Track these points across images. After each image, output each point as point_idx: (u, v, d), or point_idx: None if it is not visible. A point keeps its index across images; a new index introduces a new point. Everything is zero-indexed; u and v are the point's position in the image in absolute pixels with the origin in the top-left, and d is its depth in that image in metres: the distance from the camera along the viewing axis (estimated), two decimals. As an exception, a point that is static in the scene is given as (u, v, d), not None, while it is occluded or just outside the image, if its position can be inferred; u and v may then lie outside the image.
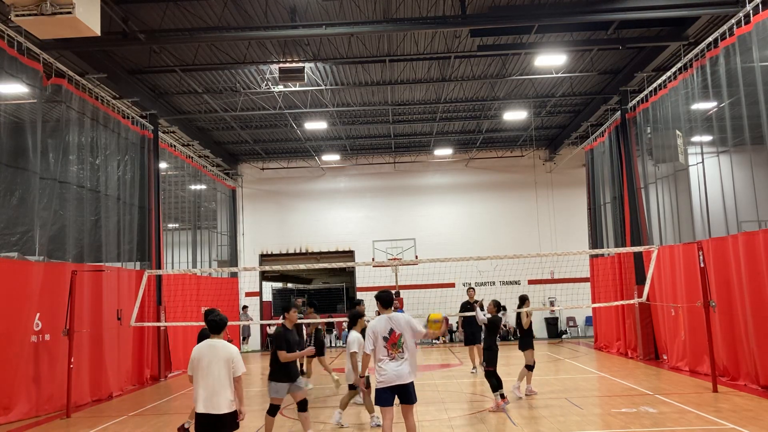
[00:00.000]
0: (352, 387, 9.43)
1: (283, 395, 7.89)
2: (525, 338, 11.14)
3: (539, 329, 23.65)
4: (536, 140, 23.64)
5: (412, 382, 6.64)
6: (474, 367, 14.86)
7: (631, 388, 11.51)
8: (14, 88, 11.33)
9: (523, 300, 11.40)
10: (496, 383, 9.78)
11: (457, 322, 23.29)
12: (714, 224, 12.36)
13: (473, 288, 16.24)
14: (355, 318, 9.50)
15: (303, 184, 25.24)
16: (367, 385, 8.92)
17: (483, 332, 10.74)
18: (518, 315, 11.40)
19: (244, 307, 23.07)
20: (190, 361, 5.95)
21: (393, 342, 6.58)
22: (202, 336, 7.54)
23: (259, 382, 14.49)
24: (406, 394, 6.60)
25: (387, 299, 6.89)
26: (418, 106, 19.75)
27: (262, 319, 23.87)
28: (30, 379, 10.67)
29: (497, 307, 10.32)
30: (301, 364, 15.77)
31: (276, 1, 12.76)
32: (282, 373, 7.86)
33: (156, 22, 13.04)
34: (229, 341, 6.26)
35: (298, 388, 7.97)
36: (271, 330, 23.60)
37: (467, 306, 15.34)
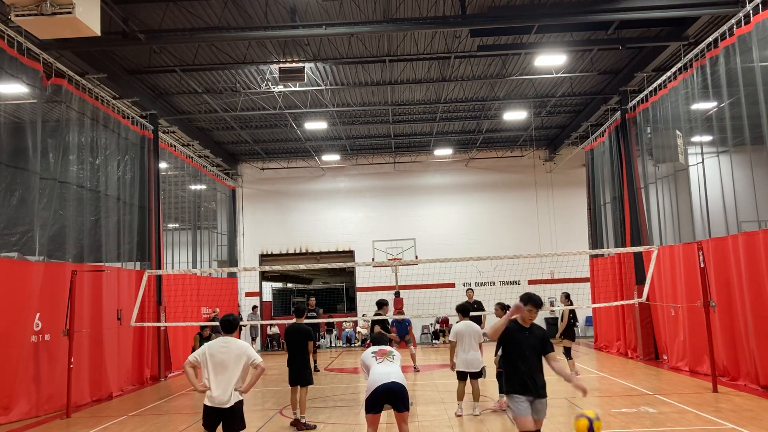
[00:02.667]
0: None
1: None
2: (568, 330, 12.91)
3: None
4: (536, 140, 23.63)
5: (404, 389, 6.50)
6: None
7: (631, 388, 11.51)
8: (14, 88, 11.33)
9: (568, 296, 13.29)
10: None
11: (457, 322, 23.27)
12: (714, 224, 12.35)
13: (472, 289, 16.35)
14: (467, 310, 10.18)
15: (303, 184, 25.23)
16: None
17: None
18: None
19: (254, 307, 23.14)
20: (201, 354, 6.23)
21: (383, 353, 6.93)
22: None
23: (260, 383, 14.46)
24: (397, 401, 6.43)
25: (380, 341, 7.39)
26: (418, 106, 19.75)
27: (261, 319, 23.87)
28: (30, 379, 10.67)
29: (504, 309, 10.39)
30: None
31: (276, 1, 12.76)
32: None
33: (156, 22, 13.04)
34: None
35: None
36: (272, 330, 23.62)
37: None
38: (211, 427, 6.14)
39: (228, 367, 6.10)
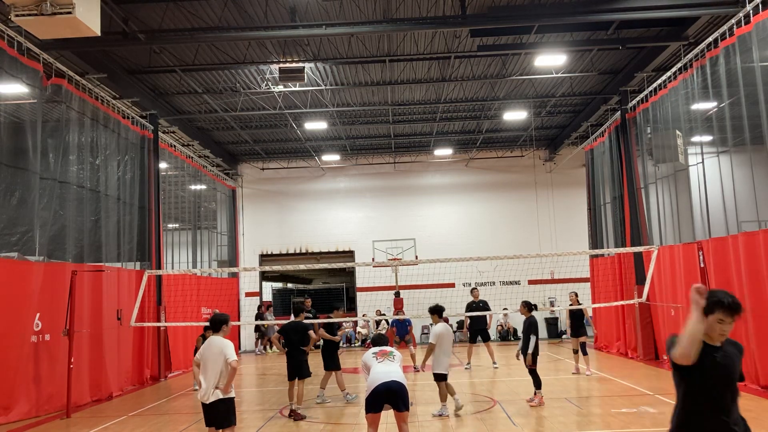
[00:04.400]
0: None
1: None
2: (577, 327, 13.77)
3: (539, 329, 23.65)
4: (536, 140, 23.63)
5: (404, 388, 6.48)
6: (468, 363, 15.40)
7: (631, 388, 11.51)
8: (14, 88, 11.33)
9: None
10: (538, 380, 10.15)
11: (458, 322, 23.29)
12: (714, 224, 12.36)
13: (477, 288, 16.42)
14: (441, 311, 9.86)
15: (303, 184, 25.23)
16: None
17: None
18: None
19: (269, 307, 23.12)
20: (199, 353, 6.81)
21: (383, 353, 6.96)
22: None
23: (260, 382, 14.50)
24: (397, 400, 6.40)
25: (380, 342, 7.41)
26: (418, 106, 19.75)
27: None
28: (30, 379, 10.66)
29: (528, 307, 10.45)
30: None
31: (276, 1, 12.76)
32: None
33: (156, 22, 13.04)
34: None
35: None
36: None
37: (473, 306, 15.43)
38: (206, 422, 6.61)
39: (209, 365, 6.51)
